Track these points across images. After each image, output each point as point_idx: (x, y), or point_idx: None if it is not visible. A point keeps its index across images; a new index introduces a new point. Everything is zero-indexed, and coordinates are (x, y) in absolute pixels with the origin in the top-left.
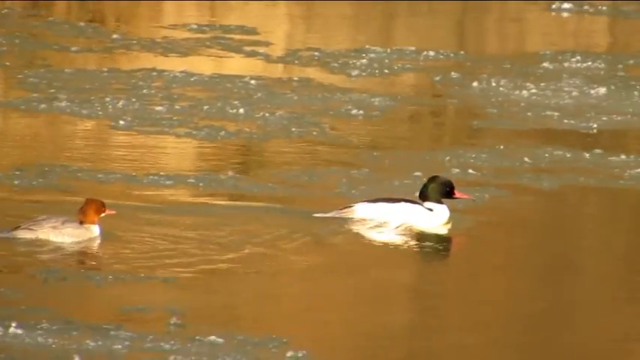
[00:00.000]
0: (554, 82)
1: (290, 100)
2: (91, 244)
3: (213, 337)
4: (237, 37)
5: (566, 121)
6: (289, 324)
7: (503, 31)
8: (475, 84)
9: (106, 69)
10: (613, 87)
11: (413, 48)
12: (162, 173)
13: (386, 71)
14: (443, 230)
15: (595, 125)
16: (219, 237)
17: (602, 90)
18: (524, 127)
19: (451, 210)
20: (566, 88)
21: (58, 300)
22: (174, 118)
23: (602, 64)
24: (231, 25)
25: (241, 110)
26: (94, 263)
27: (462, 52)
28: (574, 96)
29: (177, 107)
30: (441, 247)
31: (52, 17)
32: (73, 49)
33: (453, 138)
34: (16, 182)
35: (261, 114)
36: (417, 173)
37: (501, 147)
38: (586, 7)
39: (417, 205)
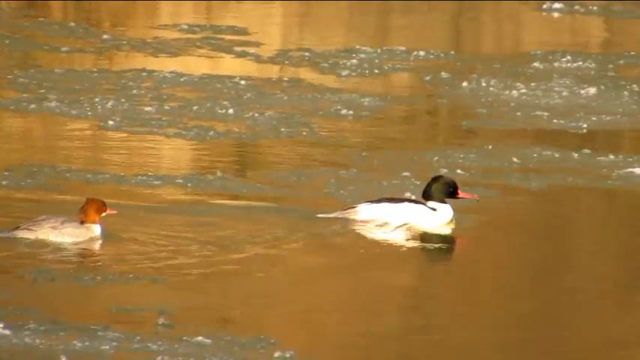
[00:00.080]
0: (545, 82)
1: (280, 100)
2: (92, 244)
3: (200, 338)
4: (228, 37)
5: (555, 121)
6: (279, 325)
7: (494, 31)
8: (465, 84)
9: (95, 69)
10: (603, 87)
11: (403, 48)
12: (150, 173)
13: (376, 71)
14: (446, 230)
15: (585, 125)
16: (220, 237)
17: (593, 90)
18: (514, 127)
19: (455, 210)
20: (556, 88)
21: (46, 300)
22: (164, 118)
23: (593, 64)
24: (222, 26)
25: (231, 110)
26: (90, 263)
27: (452, 52)
28: (564, 96)
29: (166, 107)
30: (443, 247)
31: (42, 17)
32: (64, 49)
33: (442, 138)
34: (4, 183)
35: (251, 114)
36: (406, 173)
37: (490, 147)
38: (577, 7)
39: (420, 205)
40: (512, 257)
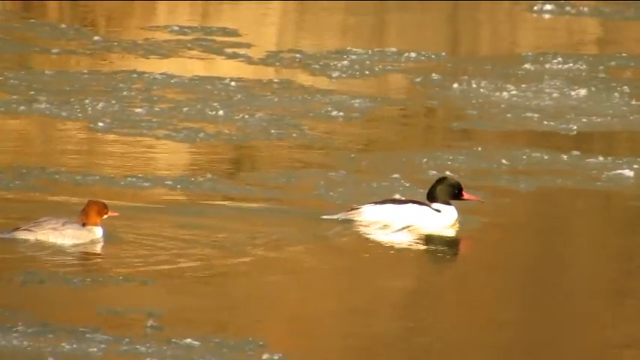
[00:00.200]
0: (536, 83)
1: (270, 101)
2: (91, 246)
3: (189, 340)
4: (219, 38)
5: (545, 122)
6: (270, 327)
7: (486, 32)
8: (456, 85)
9: (86, 71)
10: (594, 88)
11: (394, 49)
12: (140, 175)
13: (367, 73)
14: (450, 232)
15: (575, 127)
16: (221, 239)
17: (583, 91)
18: (504, 128)
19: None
20: (547, 90)
21: (35, 303)
22: (154, 119)
23: (584, 66)
24: (213, 27)
25: (221, 112)
26: (85, 265)
27: (443, 54)
28: (554, 97)
29: (156, 109)
30: (447, 249)
31: (33, 19)
32: (54, 50)
33: (432, 140)
34: None
35: (241, 116)
36: (395, 175)
37: (479, 149)
38: (568, 9)
39: (424, 207)
40: (512, 258)
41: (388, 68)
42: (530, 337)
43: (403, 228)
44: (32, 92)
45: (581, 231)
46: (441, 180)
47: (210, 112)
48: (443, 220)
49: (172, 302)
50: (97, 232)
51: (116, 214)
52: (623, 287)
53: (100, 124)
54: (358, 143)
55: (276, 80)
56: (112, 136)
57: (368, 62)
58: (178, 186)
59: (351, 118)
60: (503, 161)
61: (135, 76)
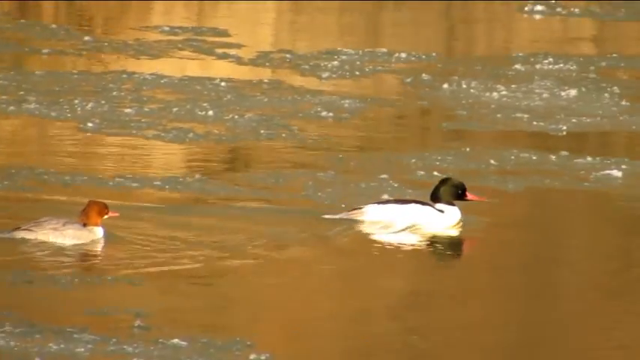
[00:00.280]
0: (526, 83)
1: (260, 102)
2: (93, 247)
3: (176, 340)
4: (210, 39)
5: (535, 123)
6: (258, 328)
7: (476, 32)
8: (446, 86)
9: (76, 71)
10: (584, 89)
11: (385, 50)
12: (128, 175)
13: (357, 73)
14: (453, 232)
15: (564, 127)
16: (223, 239)
17: (573, 92)
18: (493, 129)
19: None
20: (537, 90)
21: (22, 303)
22: (143, 120)
23: (574, 66)
24: (204, 27)
25: (210, 112)
26: (80, 265)
27: (433, 54)
28: (544, 98)
29: (146, 109)
30: (449, 249)
31: (23, 19)
32: (45, 51)
33: (422, 140)
34: None
35: (231, 116)
36: (384, 176)
37: (467, 149)
38: (558, 9)
39: (427, 207)
40: (513, 258)
41: (378, 69)
42: (530, 337)
43: (406, 228)
44: (22, 92)
45: (570, 231)
46: (445, 180)
47: (199, 113)
48: (446, 220)
49: (161, 302)
50: (98, 232)
51: (117, 214)
52: (623, 287)
53: (90, 124)
54: (347, 144)
55: (266, 80)
56: (101, 137)
57: (358, 63)
58: (167, 186)
59: (341, 118)
60: (492, 161)
61: (125, 76)
